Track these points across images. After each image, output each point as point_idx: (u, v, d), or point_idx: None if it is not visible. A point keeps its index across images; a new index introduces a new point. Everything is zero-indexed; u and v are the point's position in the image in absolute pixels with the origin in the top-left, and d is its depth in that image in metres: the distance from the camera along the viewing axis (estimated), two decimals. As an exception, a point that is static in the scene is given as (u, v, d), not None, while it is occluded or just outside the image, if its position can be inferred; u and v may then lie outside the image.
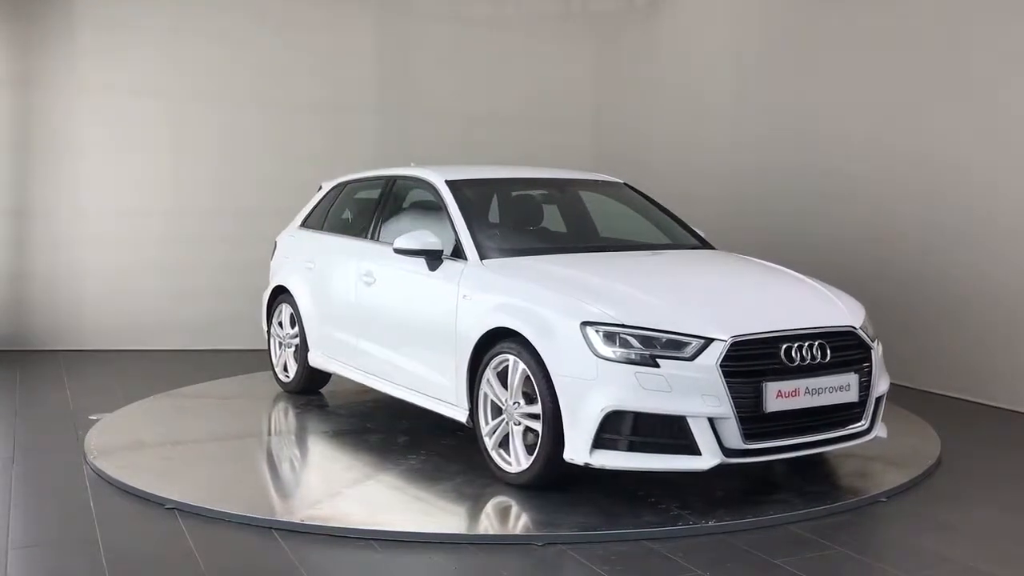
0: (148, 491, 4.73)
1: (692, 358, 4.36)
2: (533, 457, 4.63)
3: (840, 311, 4.91)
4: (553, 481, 4.65)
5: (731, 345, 4.38)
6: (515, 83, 9.66)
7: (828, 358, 4.59)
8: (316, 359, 6.58)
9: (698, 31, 9.21)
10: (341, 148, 9.08)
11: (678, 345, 4.39)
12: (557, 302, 4.69)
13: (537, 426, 4.61)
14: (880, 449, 5.20)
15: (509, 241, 5.59)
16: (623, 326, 4.45)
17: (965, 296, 6.88)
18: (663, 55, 9.53)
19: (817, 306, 4.94)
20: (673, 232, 6.08)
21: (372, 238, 6.21)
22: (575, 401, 4.43)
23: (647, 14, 9.76)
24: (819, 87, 7.94)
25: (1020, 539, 4.35)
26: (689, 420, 4.32)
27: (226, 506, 4.52)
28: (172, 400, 6.76)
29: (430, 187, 5.90)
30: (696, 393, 4.32)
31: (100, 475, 5.04)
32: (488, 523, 4.49)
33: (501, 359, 4.80)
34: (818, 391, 4.53)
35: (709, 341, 4.39)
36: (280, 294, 7.00)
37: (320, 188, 7.19)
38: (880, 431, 4.91)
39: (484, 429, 4.93)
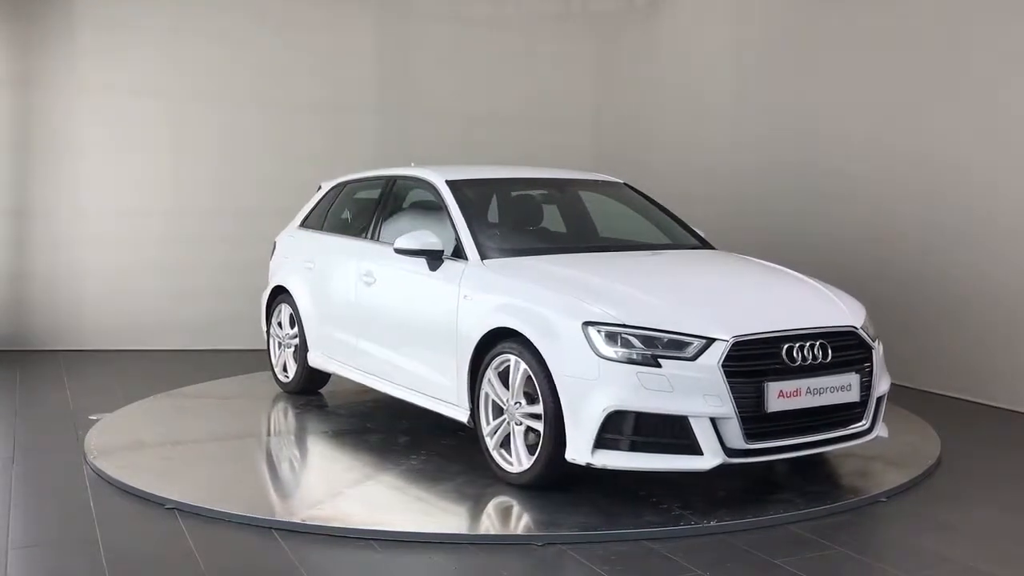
0: (148, 491, 4.73)
1: (694, 358, 4.36)
2: (534, 457, 4.63)
3: (841, 311, 4.91)
4: (554, 481, 4.65)
5: (733, 345, 4.38)
6: (515, 83, 9.65)
7: (829, 358, 4.60)
8: (316, 359, 6.57)
9: (698, 31, 9.21)
10: (341, 148, 9.07)
11: (680, 345, 4.39)
12: (558, 302, 4.69)
13: (538, 426, 4.61)
14: (880, 449, 5.20)
15: (510, 241, 5.59)
16: (625, 326, 4.45)
17: (965, 296, 6.88)
18: (663, 55, 9.53)
19: (818, 306, 4.94)
20: (673, 232, 6.08)
21: (372, 238, 6.21)
22: (577, 401, 4.43)
23: (647, 14, 9.76)
24: (819, 87, 7.93)
25: (1020, 539, 4.35)
26: (691, 420, 4.32)
27: (226, 506, 4.52)
28: (172, 400, 6.76)
29: (430, 187, 5.89)
30: (698, 393, 4.32)
31: (100, 475, 5.04)
32: (489, 523, 4.48)
33: (502, 359, 4.80)
34: (819, 391, 4.54)
35: (711, 341, 4.39)
36: (279, 294, 7.00)
37: (320, 188, 7.19)
38: (881, 431, 4.91)
39: (485, 429, 4.93)
